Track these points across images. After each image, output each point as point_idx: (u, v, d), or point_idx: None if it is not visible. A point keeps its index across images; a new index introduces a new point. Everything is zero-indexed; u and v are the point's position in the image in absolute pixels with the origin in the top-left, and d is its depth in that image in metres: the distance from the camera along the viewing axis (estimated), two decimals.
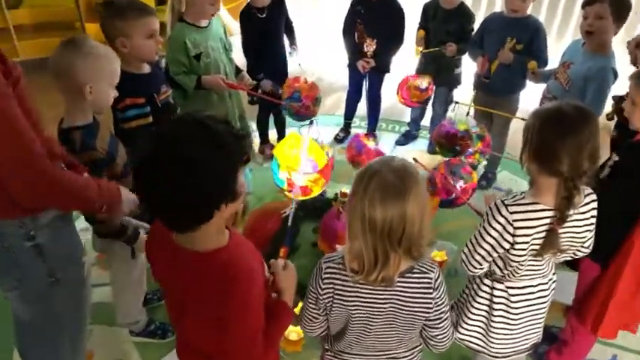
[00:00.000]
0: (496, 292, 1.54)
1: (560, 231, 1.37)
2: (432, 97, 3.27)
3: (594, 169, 1.30)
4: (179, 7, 2.37)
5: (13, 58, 4.25)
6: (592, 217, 1.43)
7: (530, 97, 2.92)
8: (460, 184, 2.28)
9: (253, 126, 3.40)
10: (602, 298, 1.68)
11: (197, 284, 1.08)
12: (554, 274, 1.58)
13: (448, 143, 2.51)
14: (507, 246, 1.41)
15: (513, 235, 1.38)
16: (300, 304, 1.31)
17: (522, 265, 1.45)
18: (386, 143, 3.63)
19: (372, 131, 3.62)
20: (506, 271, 1.50)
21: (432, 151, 3.48)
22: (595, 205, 1.42)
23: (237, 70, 2.68)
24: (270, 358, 1.26)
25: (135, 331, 2.12)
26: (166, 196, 0.96)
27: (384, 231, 1.11)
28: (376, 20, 3.12)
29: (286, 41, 3.16)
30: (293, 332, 2.12)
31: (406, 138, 3.65)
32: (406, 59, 3.33)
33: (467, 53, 3.01)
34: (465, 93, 3.14)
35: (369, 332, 1.30)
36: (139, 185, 0.98)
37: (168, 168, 0.93)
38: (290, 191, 1.79)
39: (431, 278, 1.24)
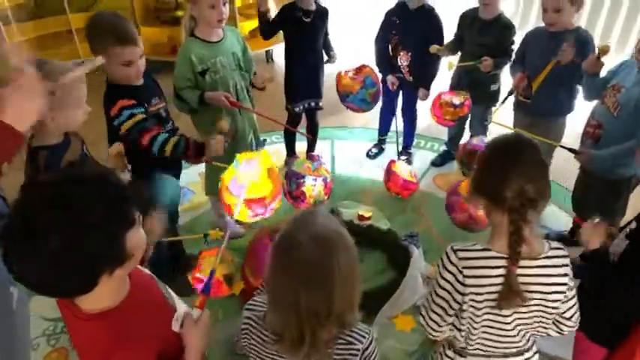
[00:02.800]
0: None
1: (523, 281, 1.16)
2: (470, 116, 3.05)
3: (543, 203, 1.17)
4: (191, 24, 2.32)
5: (75, 58, 4.60)
6: (563, 274, 1.20)
7: (576, 122, 2.59)
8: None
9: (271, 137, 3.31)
10: None
11: (79, 341, 1.00)
12: (535, 352, 1.32)
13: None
14: (461, 298, 1.21)
15: (464, 285, 1.19)
16: None
17: (477, 326, 1.23)
18: (421, 162, 3.41)
19: (406, 149, 3.41)
20: (463, 338, 1.28)
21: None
22: (565, 261, 1.20)
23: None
24: None
25: None
26: (33, 273, 0.87)
27: (309, 313, 0.98)
28: (412, 32, 2.91)
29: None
30: None
31: (443, 158, 3.37)
32: (440, 73, 3.08)
33: (509, 70, 2.72)
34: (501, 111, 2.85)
35: None
36: (5, 255, 0.88)
37: (31, 246, 0.84)
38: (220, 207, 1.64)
39: (358, 350, 1.08)
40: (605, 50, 2.18)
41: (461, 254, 1.20)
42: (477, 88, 2.82)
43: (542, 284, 1.19)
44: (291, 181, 2.15)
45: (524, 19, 3.85)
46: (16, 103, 1.11)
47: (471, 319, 1.23)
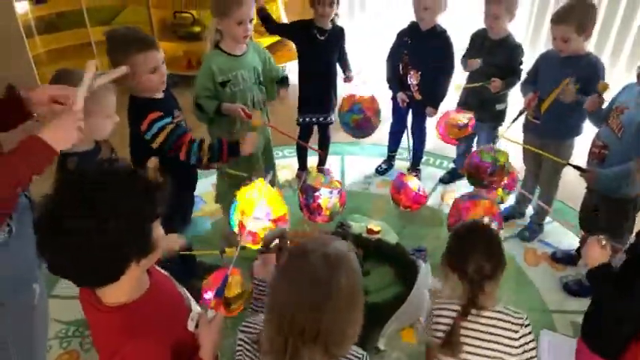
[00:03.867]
0: None
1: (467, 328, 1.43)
2: (477, 135, 3.10)
3: (499, 275, 1.43)
4: (217, 37, 2.40)
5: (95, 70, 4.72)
6: (510, 330, 1.41)
7: (584, 143, 2.62)
8: None
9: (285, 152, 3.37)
10: None
11: (98, 334, 1.05)
12: None
13: (477, 175, 2.32)
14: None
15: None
16: None
17: None
18: (430, 179, 3.45)
19: (415, 166, 3.45)
20: None
21: None
22: (515, 327, 1.41)
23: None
24: None
25: None
26: (66, 260, 0.93)
27: (295, 327, 0.98)
28: (423, 52, 2.98)
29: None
30: None
31: (451, 176, 3.42)
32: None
33: (519, 89, 2.78)
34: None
35: None
36: (41, 244, 0.94)
37: (65, 233, 0.90)
38: (241, 234, 1.69)
39: None
40: (604, 88, 2.25)
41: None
42: (484, 108, 2.88)
43: (489, 333, 1.41)
44: (307, 194, 2.20)
45: (534, 42, 3.91)
46: (53, 129, 1.19)
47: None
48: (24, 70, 4.09)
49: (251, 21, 2.32)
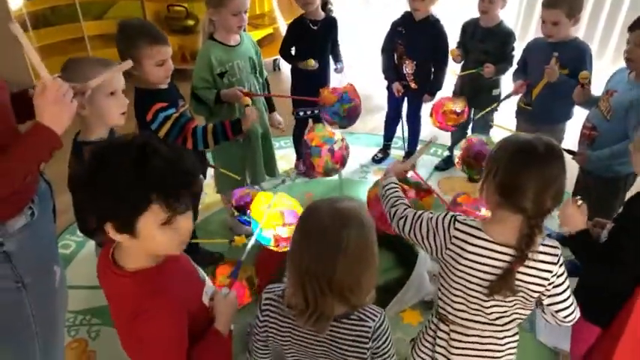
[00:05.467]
0: (439, 333, 1.44)
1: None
2: (471, 122, 3.17)
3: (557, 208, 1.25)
4: (210, 28, 2.42)
5: None
6: (546, 270, 1.26)
7: (572, 128, 2.71)
8: None
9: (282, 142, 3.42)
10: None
11: (119, 301, 1.11)
12: (515, 334, 1.42)
13: (477, 164, 2.38)
14: (435, 243, 1.32)
15: (446, 247, 1.30)
16: None
17: (453, 290, 1.33)
18: (425, 167, 3.51)
19: (410, 154, 3.52)
20: (447, 307, 1.39)
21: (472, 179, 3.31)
22: (551, 259, 1.26)
23: (271, 108, 2.75)
24: None
25: None
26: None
27: (311, 276, 1.06)
28: (417, 42, 3.04)
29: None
30: None
31: (447, 163, 3.49)
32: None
33: (511, 77, 2.85)
34: (502, 118, 2.98)
35: None
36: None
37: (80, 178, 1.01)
38: (277, 246, 1.72)
39: (369, 327, 1.16)
40: (584, 77, 2.33)
41: (459, 226, 1.29)
42: (480, 94, 2.95)
43: (524, 274, 1.26)
44: (303, 150, 2.24)
45: (524, 30, 3.98)
46: (46, 109, 1.20)
47: (447, 275, 1.33)
48: (17, 65, 4.09)
49: (245, 12, 2.34)
